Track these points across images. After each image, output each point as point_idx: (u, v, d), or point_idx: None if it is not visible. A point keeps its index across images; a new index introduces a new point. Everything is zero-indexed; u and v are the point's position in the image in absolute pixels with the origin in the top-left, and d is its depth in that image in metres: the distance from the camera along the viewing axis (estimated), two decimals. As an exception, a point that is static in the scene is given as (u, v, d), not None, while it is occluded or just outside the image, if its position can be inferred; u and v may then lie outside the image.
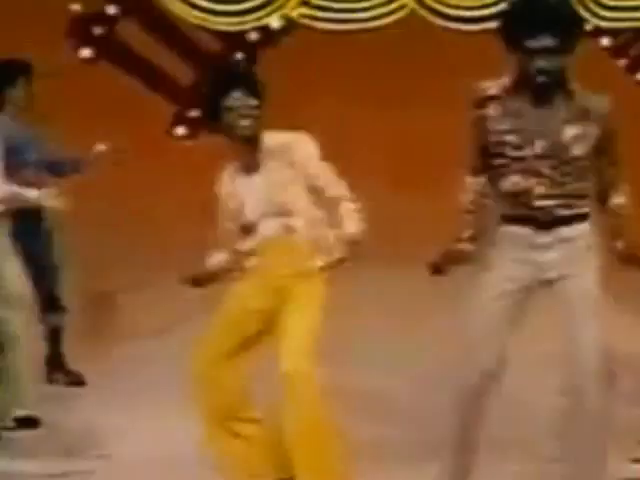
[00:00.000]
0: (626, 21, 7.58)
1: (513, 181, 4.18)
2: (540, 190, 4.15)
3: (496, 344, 4.24)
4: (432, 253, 4.35)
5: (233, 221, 4.66)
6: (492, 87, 4.21)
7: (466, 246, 4.33)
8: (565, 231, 4.18)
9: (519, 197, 4.19)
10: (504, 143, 4.17)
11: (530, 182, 4.15)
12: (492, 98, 4.20)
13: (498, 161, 4.21)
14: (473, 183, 4.34)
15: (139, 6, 7.85)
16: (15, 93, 6.42)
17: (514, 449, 5.04)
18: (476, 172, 4.31)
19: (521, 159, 4.15)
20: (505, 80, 4.20)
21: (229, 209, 4.67)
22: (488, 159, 4.24)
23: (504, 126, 4.17)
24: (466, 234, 4.34)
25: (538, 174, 4.14)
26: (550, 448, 4.29)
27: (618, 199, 4.28)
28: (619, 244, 4.30)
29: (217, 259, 4.70)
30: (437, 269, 4.33)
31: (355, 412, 4.97)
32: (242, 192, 4.62)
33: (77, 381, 6.81)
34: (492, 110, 4.19)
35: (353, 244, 4.48)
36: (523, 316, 4.29)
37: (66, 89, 7.28)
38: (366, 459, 4.65)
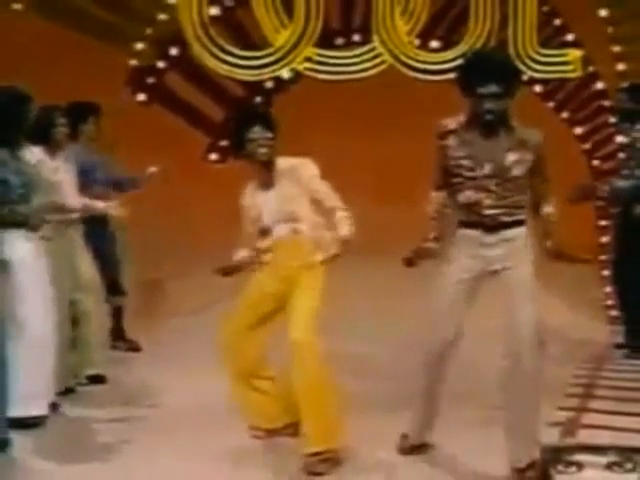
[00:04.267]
0: (553, 73, 7.59)
1: (467, 195, 4.17)
2: (488, 202, 4.14)
3: (454, 319, 4.24)
4: (406, 251, 4.35)
5: (253, 225, 4.65)
6: (451, 123, 4.21)
7: (431, 245, 4.32)
8: (507, 233, 4.17)
9: (472, 207, 4.17)
10: (460, 166, 4.16)
11: (480, 196, 4.14)
12: (451, 132, 4.19)
13: (456, 180, 4.20)
14: (436, 197, 4.33)
15: (182, 61, 7.86)
16: (87, 128, 6.40)
17: (468, 400, 5.04)
18: (438, 188, 4.31)
19: (473, 178, 4.14)
20: (461, 117, 4.19)
21: (250, 216, 4.66)
22: (448, 178, 4.23)
23: (460, 153, 4.16)
24: (431, 235, 4.34)
25: (487, 190, 4.13)
26: (496, 399, 4.27)
27: (548, 208, 4.27)
28: (549, 243, 4.29)
29: (241, 255, 4.69)
30: (409, 262, 4.32)
31: (346, 372, 4.94)
32: (260, 203, 4.61)
33: (134, 347, 6.80)
34: (451, 141, 4.18)
35: (345, 243, 4.46)
36: (475, 298, 4.29)
37: (127, 125, 7.28)
38: (354, 408, 4.64)
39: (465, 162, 4.15)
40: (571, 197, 6.11)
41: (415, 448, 4.50)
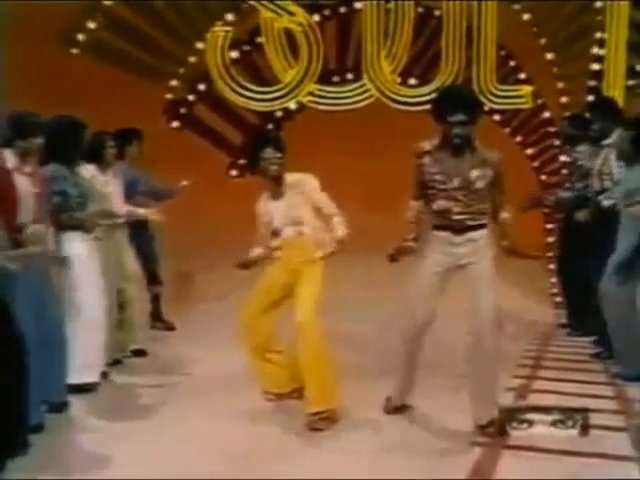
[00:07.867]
0: (509, 104, 7.63)
1: (439, 203, 4.17)
2: (457, 209, 4.14)
3: (429, 304, 4.23)
4: (390, 249, 4.34)
5: (266, 228, 4.65)
6: (426, 145, 4.21)
7: (410, 244, 4.31)
8: (472, 234, 4.17)
9: (443, 213, 4.17)
10: (434, 180, 4.16)
11: (450, 204, 4.14)
12: (427, 152, 4.19)
13: (430, 191, 4.20)
14: (414, 205, 4.33)
15: (208, 95, 7.89)
16: (131, 149, 6.40)
17: (440, 369, 5.03)
18: (416, 198, 4.31)
19: (445, 190, 4.14)
20: (434, 141, 4.19)
21: (263, 221, 4.65)
22: (424, 190, 4.23)
23: (434, 169, 4.16)
24: (410, 236, 4.32)
25: (455, 199, 4.13)
26: (462, 369, 4.27)
27: (505, 214, 4.26)
28: (505, 243, 4.29)
29: (256, 252, 4.69)
30: (393, 258, 4.32)
31: (341, 347, 4.94)
32: (271, 210, 4.60)
33: (170, 327, 6.81)
34: (427, 160, 4.18)
35: (340, 242, 4.46)
36: (445, 287, 4.27)
37: (164, 146, 7.28)
38: (348, 376, 4.65)
39: (438, 177, 4.15)
40: (523, 205, 6.14)
41: (397, 408, 4.50)
